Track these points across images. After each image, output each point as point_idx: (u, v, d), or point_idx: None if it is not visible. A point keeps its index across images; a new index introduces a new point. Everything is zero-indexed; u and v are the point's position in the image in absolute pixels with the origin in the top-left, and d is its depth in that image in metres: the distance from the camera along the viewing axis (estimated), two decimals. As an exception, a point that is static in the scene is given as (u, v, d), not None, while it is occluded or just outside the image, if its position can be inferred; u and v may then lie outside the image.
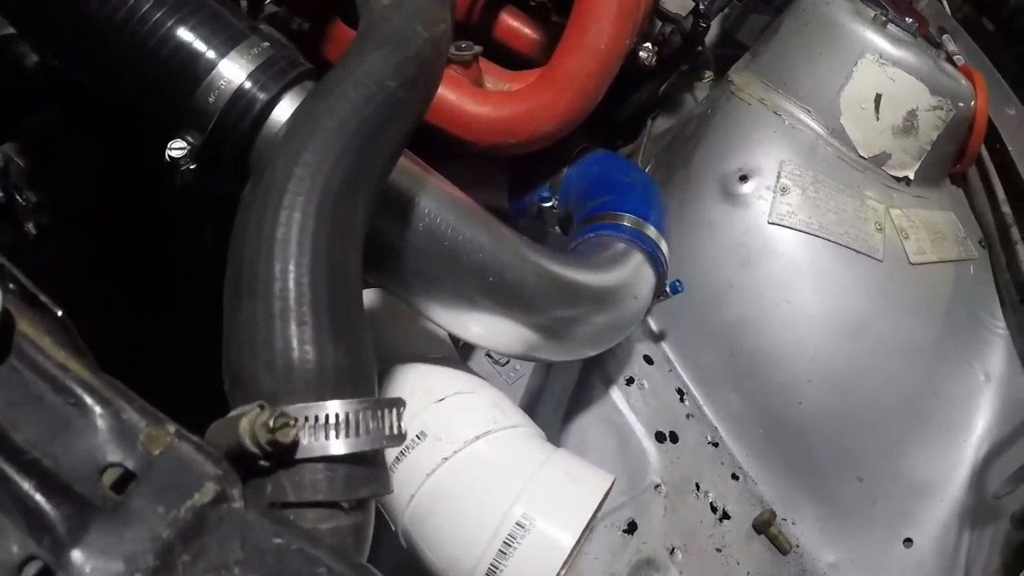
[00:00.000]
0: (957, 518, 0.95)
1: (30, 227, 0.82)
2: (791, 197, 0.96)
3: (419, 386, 0.62)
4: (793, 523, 0.95)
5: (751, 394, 0.95)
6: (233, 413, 0.33)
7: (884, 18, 1.05)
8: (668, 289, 0.88)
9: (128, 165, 0.91)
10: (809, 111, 1.02)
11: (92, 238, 0.94)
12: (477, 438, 0.58)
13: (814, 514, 0.96)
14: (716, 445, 0.94)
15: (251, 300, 0.37)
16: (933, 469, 0.97)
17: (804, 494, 0.96)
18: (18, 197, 0.79)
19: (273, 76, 0.56)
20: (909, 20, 1.14)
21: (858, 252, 0.96)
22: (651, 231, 0.85)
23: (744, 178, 0.98)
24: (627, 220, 0.84)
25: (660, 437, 0.91)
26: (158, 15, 0.55)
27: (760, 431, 0.95)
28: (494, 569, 0.54)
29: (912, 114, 1.01)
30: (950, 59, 1.18)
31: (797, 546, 0.94)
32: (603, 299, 0.75)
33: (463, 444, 0.58)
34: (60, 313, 0.31)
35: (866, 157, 1.02)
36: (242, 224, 0.39)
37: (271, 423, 0.31)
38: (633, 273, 0.80)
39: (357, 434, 0.34)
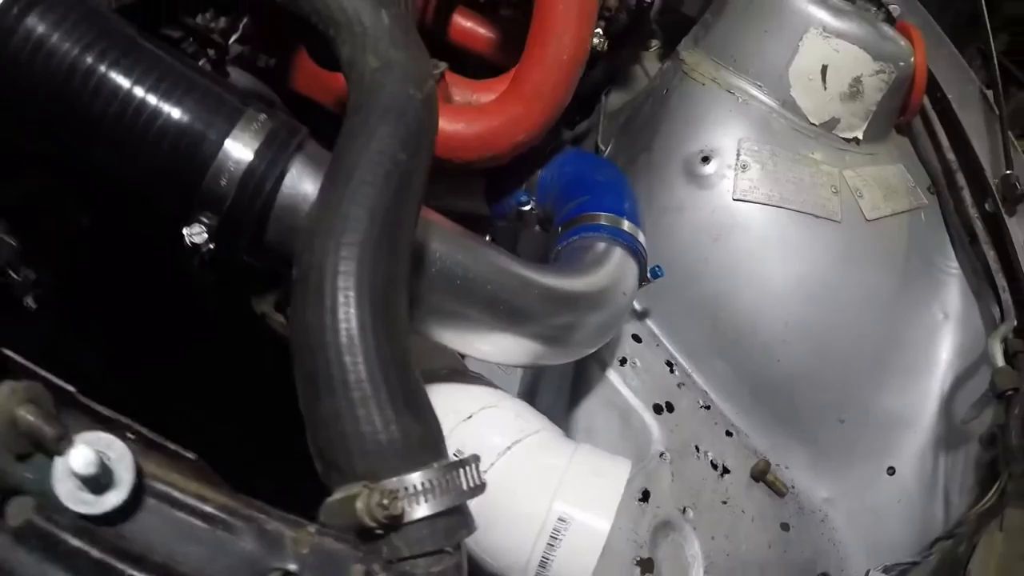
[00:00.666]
0: (932, 445, 1.07)
1: (29, 301, 0.85)
2: (752, 173, 1.06)
3: (447, 407, 0.70)
4: (786, 467, 1.06)
5: (734, 358, 1.05)
6: (340, 495, 0.41)
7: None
8: (649, 275, 0.97)
9: (118, 222, 0.95)
10: (760, 86, 1.11)
11: (92, 298, 0.99)
12: (509, 448, 0.67)
13: (804, 457, 1.07)
14: (708, 408, 1.05)
15: (330, 395, 0.44)
16: (906, 404, 1.08)
17: (793, 440, 1.07)
18: (13, 275, 0.82)
19: (278, 149, 0.60)
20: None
21: (818, 217, 1.06)
22: (627, 225, 0.93)
23: (706, 159, 1.07)
24: (604, 219, 0.93)
25: (658, 409, 1.01)
26: (154, 103, 0.58)
27: (746, 390, 1.06)
28: (546, 560, 0.64)
29: (857, 80, 1.10)
30: (888, 12, 1.27)
31: (793, 487, 1.05)
32: (596, 300, 0.83)
33: (497, 456, 0.67)
34: (193, 457, 0.38)
35: (817, 124, 1.12)
36: (302, 325, 0.46)
37: (384, 502, 0.40)
38: (618, 269, 0.88)
39: (446, 493, 0.43)
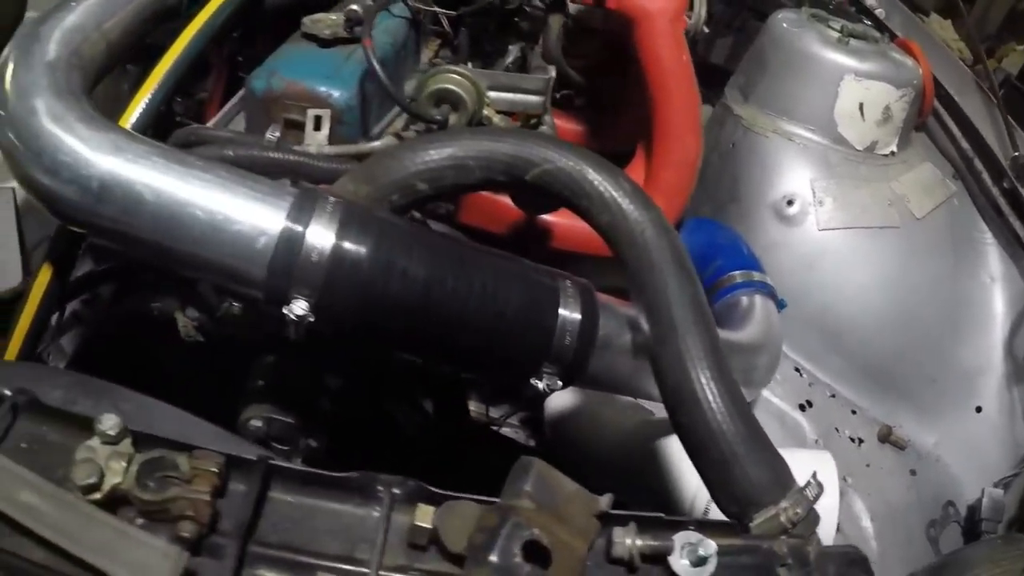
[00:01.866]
0: (1005, 380, 1.48)
1: (298, 463, 1.04)
2: (827, 206, 1.44)
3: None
4: (900, 426, 1.46)
5: (845, 352, 1.45)
6: (762, 518, 0.73)
7: (844, 34, 1.51)
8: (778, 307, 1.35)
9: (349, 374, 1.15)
10: (813, 129, 1.49)
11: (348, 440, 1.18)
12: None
13: (910, 415, 1.48)
14: (834, 396, 1.44)
15: (738, 464, 0.74)
16: (978, 354, 1.49)
17: (901, 404, 1.47)
18: (278, 446, 1.04)
19: (589, 302, 0.90)
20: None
21: (882, 228, 1.46)
22: (757, 275, 1.31)
23: (790, 202, 1.45)
24: (740, 276, 1.30)
25: (801, 407, 1.40)
26: (502, 292, 0.84)
27: (858, 374, 1.46)
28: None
29: (887, 108, 1.49)
30: (890, 31, 1.66)
31: (909, 441, 1.45)
32: (760, 345, 1.21)
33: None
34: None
35: (861, 149, 1.51)
36: (705, 425, 0.77)
37: (798, 511, 0.75)
38: (765, 314, 1.26)
39: (811, 497, 0.75)
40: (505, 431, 1.49)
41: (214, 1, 1.16)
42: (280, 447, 1.05)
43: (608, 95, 1.57)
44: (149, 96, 1.07)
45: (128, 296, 1.28)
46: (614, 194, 0.90)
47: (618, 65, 1.53)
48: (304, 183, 0.87)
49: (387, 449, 1.25)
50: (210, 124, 1.20)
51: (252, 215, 0.79)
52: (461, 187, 0.94)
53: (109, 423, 0.71)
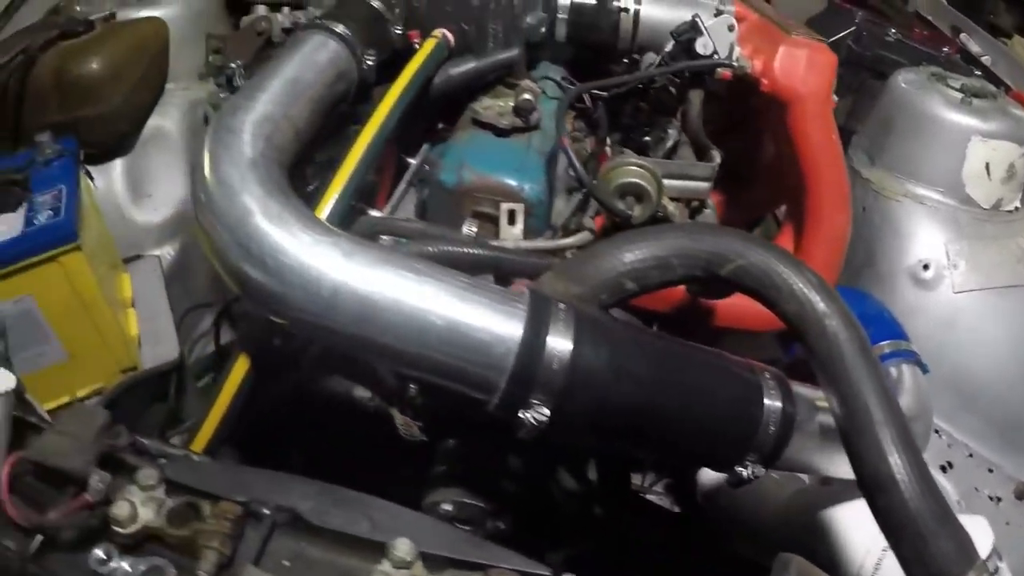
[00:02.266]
0: None
1: None
2: (962, 268, 1.50)
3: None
4: (1033, 482, 1.53)
5: (981, 411, 1.50)
6: None
7: (967, 94, 1.57)
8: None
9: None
10: (942, 191, 1.55)
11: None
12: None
13: (1043, 470, 1.54)
14: (971, 456, 1.50)
15: (936, 539, 0.80)
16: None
17: (1033, 460, 1.54)
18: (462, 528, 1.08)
19: (787, 393, 0.96)
20: (945, 49, 1.68)
21: (1014, 287, 1.52)
22: (904, 344, 1.37)
23: (926, 267, 1.51)
24: (888, 347, 1.36)
25: (943, 468, 1.46)
26: (715, 387, 0.91)
27: (994, 432, 1.51)
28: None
29: (1011, 166, 1.55)
30: (1002, 83, 1.71)
31: (1042, 496, 1.52)
32: (916, 415, 1.27)
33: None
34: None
35: (987, 208, 1.57)
36: (906, 510, 0.83)
37: None
38: (916, 383, 1.32)
39: (992, 569, 0.83)
40: (650, 497, 1.55)
41: (393, 91, 1.20)
42: (465, 528, 1.10)
43: (735, 163, 1.62)
44: (340, 189, 1.09)
45: (287, 373, 1.32)
46: (801, 286, 0.95)
47: (735, 130, 1.59)
48: (536, 289, 0.91)
49: (544, 523, 1.32)
50: (385, 211, 1.25)
51: (490, 322, 0.83)
52: (664, 284, 0.99)
53: (404, 549, 0.77)
